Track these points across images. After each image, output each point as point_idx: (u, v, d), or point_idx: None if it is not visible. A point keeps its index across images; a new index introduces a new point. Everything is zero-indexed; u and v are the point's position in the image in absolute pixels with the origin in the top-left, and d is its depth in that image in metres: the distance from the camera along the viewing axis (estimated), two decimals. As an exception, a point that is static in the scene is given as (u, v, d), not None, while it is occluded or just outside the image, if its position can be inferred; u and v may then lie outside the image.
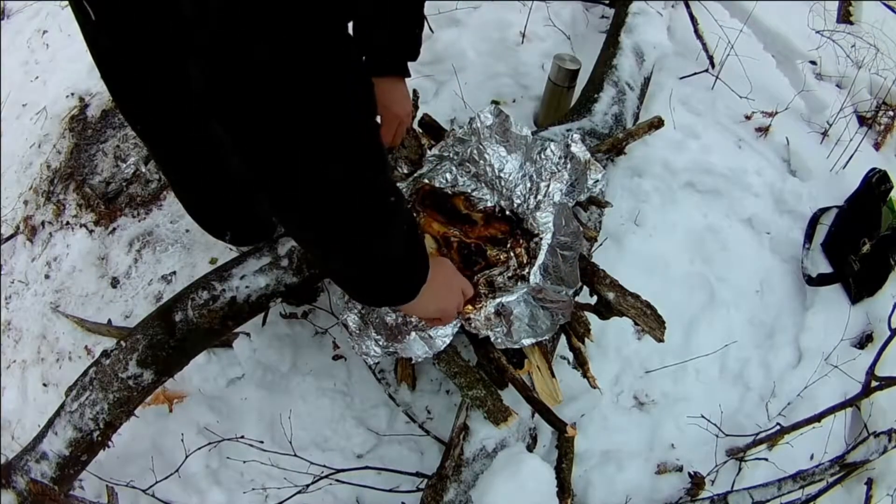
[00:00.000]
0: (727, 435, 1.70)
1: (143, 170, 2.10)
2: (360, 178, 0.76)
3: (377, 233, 0.83)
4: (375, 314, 1.22)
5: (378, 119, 1.29)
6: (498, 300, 1.22)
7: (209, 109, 0.69)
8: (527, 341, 1.23)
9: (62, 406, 1.30)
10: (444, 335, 1.21)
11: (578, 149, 1.44)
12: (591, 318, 1.38)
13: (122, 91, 1.23)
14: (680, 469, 1.69)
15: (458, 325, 1.23)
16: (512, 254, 1.35)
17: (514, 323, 1.22)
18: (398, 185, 1.34)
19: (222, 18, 0.62)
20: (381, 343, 1.20)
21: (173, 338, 1.32)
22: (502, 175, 1.40)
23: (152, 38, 0.97)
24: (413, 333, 1.20)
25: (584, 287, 1.41)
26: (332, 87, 0.69)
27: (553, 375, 1.34)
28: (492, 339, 1.23)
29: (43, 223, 2.11)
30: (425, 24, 1.42)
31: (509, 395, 1.27)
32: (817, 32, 2.91)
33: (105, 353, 1.33)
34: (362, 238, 0.83)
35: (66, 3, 2.60)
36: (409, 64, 1.35)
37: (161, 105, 1.18)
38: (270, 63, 0.64)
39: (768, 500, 1.52)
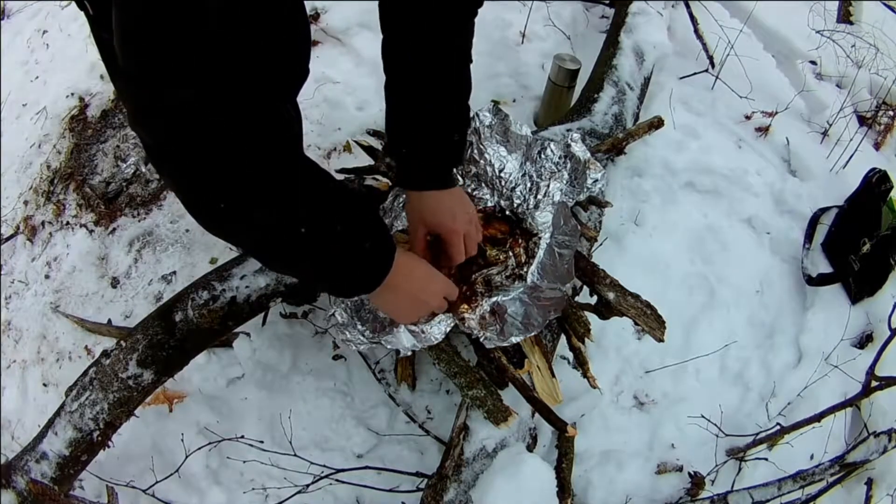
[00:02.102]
0: (727, 435, 1.70)
1: (143, 170, 2.10)
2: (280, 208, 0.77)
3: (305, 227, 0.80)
4: (367, 309, 1.22)
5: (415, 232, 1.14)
6: (494, 299, 1.22)
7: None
8: (516, 338, 1.23)
9: (62, 406, 1.30)
10: (438, 332, 1.21)
11: (578, 149, 1.44)
12: (591, 318, 1.38)
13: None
14: (680, 469, 1.69)
15: (451, 322, 1.23)
16: (511, 253, 1.35)
17: (508, 321, 1.22)
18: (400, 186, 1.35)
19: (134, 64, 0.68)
20: (366, 335, 1.20)
21: (173, 338, 1.32)
22: (502, 175, 1.40)
23: None
24: (402, 326, 1.20)
25: (584, 287, 1.41)
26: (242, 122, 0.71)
27: (553, 375, 1.34)
28: (482, 341, 1.23)
29: (43, 223, 2.11)
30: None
31: (509, 395, 1.28)
32: (817, 32, 2.91)
33: (105, 353, 1.33)
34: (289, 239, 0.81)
35: (67, 3, 2.61)
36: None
37: None
38: (186, 106, 0.68)
39: (768, 500, 1.52)
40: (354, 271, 0.91)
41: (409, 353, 1.24)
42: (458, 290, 1.16)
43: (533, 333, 1.25)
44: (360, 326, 1.21)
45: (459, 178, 1.29)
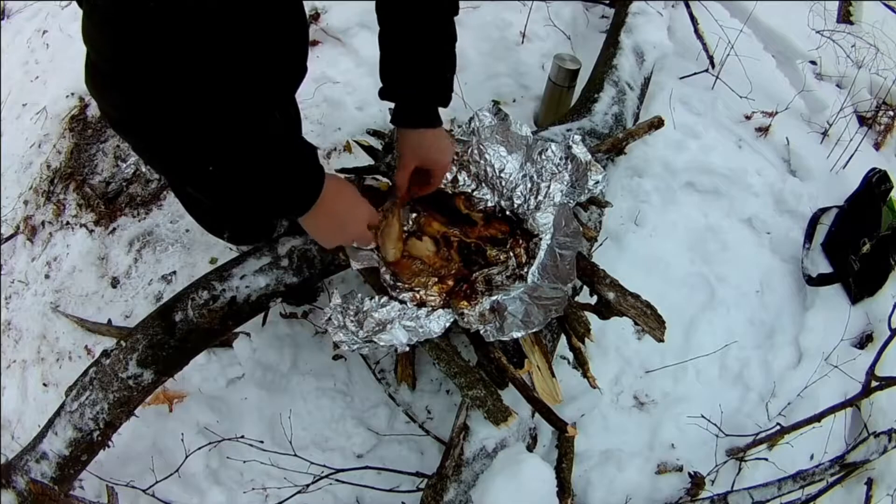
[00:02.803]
0: (727, 435, 1.70)
1: (143, 170, 2.10)
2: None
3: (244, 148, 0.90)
4: (364, 312, 1.22)
5: (402, 166, 1.24)
6: (494, 297, 1.23)
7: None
8: (517, 334, 1.23)
9: (62, 406, 1.30)
10: (437, 327, 1.22)
11: (579, 150, 1.44)
12: (591, 318, 1.38)
13: None
14: (680, 469, 1.69)
15: (451, 317, 1.24)
16: (511, 254, 1.35)
17: (508, 318, 1.22)
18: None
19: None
20: (360, 335, 1.21)
21: (173, 338, 1.32)
22: (503, 175, 1.40)
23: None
24: (397, 323, 1.20)
25: (584, 287, 1.41)
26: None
27: (553, 375, 1.34)
28: (481, 333, 1.23)
29: (43, 223, 2.11)
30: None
31: (509, 395, 1.27)
32: (817, 32, 2.91)
33: (105, 353, 1.33)
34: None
35: (67, 3, 2.61)
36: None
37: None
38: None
39: (768, 500, 1.52)
40: (287, 194, 1.00)
41: (407, 350, 1.24)
42: (378, 218, 1.24)
43: (533, 331, 1.25)
44: (352, 327, 1.21)
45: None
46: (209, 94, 0.83)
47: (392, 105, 1.21)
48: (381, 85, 1.19)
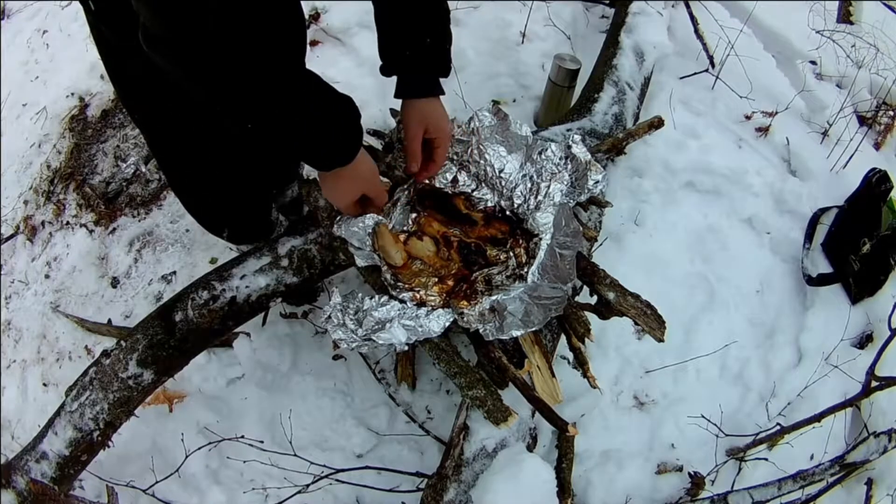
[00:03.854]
0: (727, 435, 1.70)
1: (143, 169, 2.10)
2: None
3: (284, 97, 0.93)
4: (364, 311, 1.23)
5: (412, 137, 1.27)
6: (494, 297, 1.23)
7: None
8: (516, 332, 1.23)
9: (62, 406, 1.30)
10: (436, 326, 1.22)
11: (579, 150, 1.44)
12: (591, 318, 1.38)
13: (123, 79, 1.24)
14: (680, 469, 1.69)
15: (451, 316, 1.24)
16: (511, 253, 1.35)
17: (507, 318, 1.22)
18: (400, 186, 1.35)
19: None
20: (359, 333, 1.21)
21: (173, 338, 1.32)
22: (503, 175, 1.40)
23: None
24: (397, 322, 1.21)
25: (584, 287, 1.41)
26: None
27: (553, 375, 1.34)
28: (481, 332, 1.23)
29: (43, 223, 2.11)
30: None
31: (509, 395, 1.27)
32: (817, 32, 2.91)
33: (105, 353, 1.33)
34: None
35: (67, 3, 2.61)
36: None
37: (159, 94, 1.19)
38: None
39: (768, 500, 1.52)
40: (329, 142, 1.04)
41: (406, 349, 1.24)
42: (385, 198, 1.26)
43: (533, 329, 1.25)
44: (351, 325, 1.21)
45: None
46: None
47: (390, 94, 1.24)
48: (381, 79, 1.23)
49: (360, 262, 1.29)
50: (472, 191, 1.42)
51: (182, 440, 1.53)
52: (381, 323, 1.21)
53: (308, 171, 1.74)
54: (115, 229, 2.01)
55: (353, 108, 1.05)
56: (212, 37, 0.82)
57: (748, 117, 2.36)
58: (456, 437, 1.32)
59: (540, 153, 1.43)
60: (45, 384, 1.83)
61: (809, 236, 2.07)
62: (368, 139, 1.68)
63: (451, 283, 1.31)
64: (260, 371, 1.69)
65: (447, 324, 1.24)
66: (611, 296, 1.33)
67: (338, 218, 1.28)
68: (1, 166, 2.26)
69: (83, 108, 2.30)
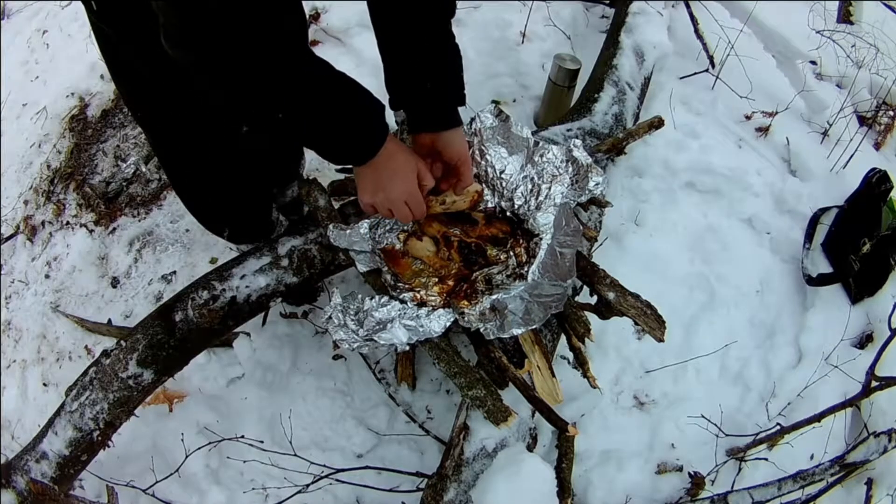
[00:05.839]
0: (727, 435, 1.70)
1: (144, 169, 2.10)
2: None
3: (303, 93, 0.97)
4: (364, 311, 1.23)
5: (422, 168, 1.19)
6: (494, 296, 1.23)
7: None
8: (517, 331, 1.23)
9: (62, 406, 1.30)
10: (437, 326, 1.22)
11: (580, 153, 1.44)
12: (591, 318, 1.38)
13: (125, 78, 1.24)
14: (680, 469, 1.69)
15: (451, 317, 1.24)
16: (512, 253, 1.35)
17: (508, 317, 1.23)
18: None
19: None
20: (360, 333, 1.21)
21: (173, 338, 1.32)
22: (503, 176, 1.40)
23: (151, 26, 0.99)
24: (397, 322, 1.21)
25: (584, 287, 1.41)
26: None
27: (553, 375, 1.34)
28: (482, 331, 1.23)
29: (43, 223, 2.12)
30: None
31: (509, 395, 1.27)
32: (817, 32, 2.91)
33: (105, 353, 1.33)
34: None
35: (67, 3, 2.61)
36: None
37: (161, 93, 1.20)
38: None
39: (768, 500, 1.52)
40: (350, 138, 1.05)
41: (407, 349, 1.24)
42: (431, 180, 1.21)
43: (533, 327, 1.25)
44: (352, 326, 1.21)
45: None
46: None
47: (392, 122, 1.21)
48: (381, 79, 1.19)
49: (361, 268, 1.30)
50: (473, 191, 1.42)
51: (182, 440, 1.53)
52: (383, 323, 1.22)
53: (308, 172, 1.74)
54: (115, 229, 2.01)
55: (367, 92, 1.04)
56: (214, 15, 0.82)
57: (748, 117, 2.36)
58: (456, 437, 1.32)
59: (541, 155, 1.43)
60: (45, 384, 1.83)
61: (809, 236, 2.07)
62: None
63: (451, 283, 1.31)
64: (260, 371, 1.69)
65: (448, 324, 1.24)
66: (611, 296, 1.33)
67: (330, 227, 1.28)
68: (1, 166, 2.26)
69: (83, 107, 2.30)
